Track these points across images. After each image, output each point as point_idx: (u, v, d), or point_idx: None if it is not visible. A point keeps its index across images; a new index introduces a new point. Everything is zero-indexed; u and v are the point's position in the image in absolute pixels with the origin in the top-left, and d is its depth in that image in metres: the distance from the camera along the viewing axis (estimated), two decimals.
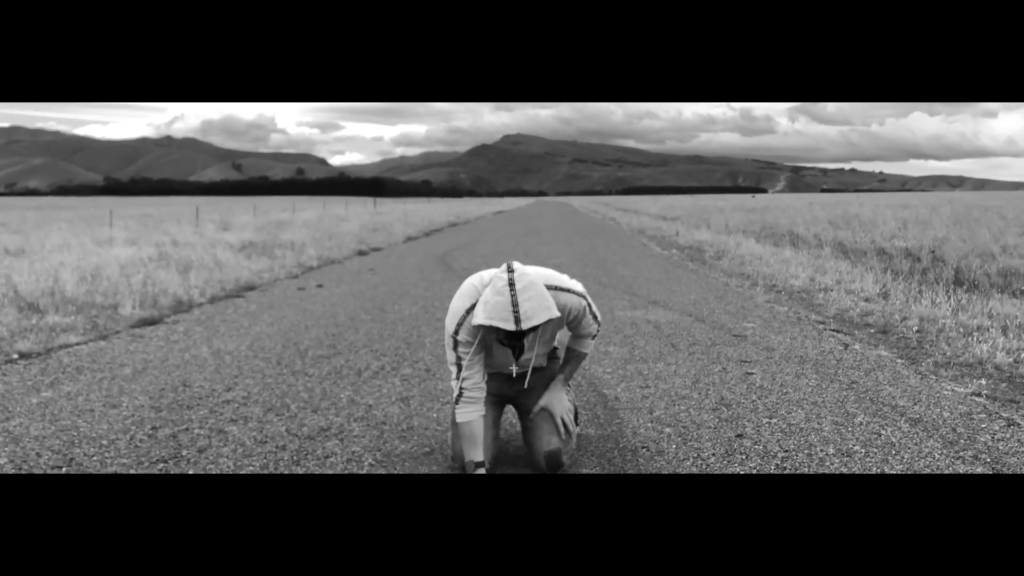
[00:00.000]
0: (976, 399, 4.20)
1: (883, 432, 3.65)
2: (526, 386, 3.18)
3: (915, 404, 4.10)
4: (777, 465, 3.23)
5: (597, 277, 10.03)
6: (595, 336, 3.24)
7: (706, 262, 12.34)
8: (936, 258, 10.64)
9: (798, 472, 3.15)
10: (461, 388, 2.95)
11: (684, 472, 3.16)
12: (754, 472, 3.15)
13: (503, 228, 26.23)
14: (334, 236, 17.87)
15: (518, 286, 2.65)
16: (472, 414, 2.94)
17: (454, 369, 2.97)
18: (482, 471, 2.94)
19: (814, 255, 12.06)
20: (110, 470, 3.20)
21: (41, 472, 3.16)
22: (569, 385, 3.36)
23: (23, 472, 3.16)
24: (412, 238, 19.90)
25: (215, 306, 7.76)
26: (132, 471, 3.19)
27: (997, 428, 3.70)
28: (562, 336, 3.34)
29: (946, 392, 4.34)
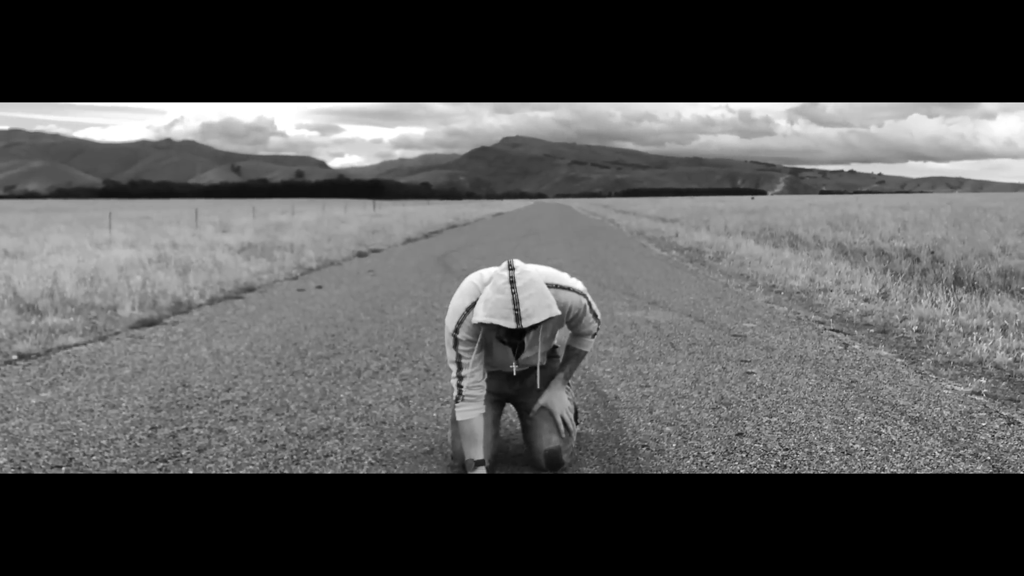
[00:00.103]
0: (976, 398, 4.20)
1: (883, 430, 3.64)
2: (538, 386, 3.17)
3: (915, 403, 4.10)
4: (777, 463, 3.23)
5: (596, 278, 10.03)
6: (595, 335, 3.24)
7: (705, 263, 12.34)
8: (935, 258, 10.64)
9: (798, 470, 3.15)
10: (461, 387, 2.94)
11: (684, 470, 3.16)
12: (754, 470, 3.15)
13: (502, 230, 26.24)
14: (333, 238, 17.87)
15: (519, 284, 2.65)
16: (472, 412, 2.94)
17: (454, 367, 2.96)
18: (482, 470, 2.93)
19: (813, 256, 12.06)
20: (109, 470, 3.20)
21: (40, 472, 3.16)
22: (569, 384, 3.35)
23: (23, 472, 3.15)
24: (411, 240, 19.90)
25: (214, 307, 7.75)
26: (131, 470, 3.18)
27: (997, 426, 3.70)
28: (561, 335, 3.33)
29: (946, 391, 4.33)
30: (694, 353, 5.40)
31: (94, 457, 3.34)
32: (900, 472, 3.11)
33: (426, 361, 5.22)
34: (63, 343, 5.72)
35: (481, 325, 2.78)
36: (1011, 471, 3.12)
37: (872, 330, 6.24)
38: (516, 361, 3.11)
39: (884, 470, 3.14)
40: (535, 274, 2.76)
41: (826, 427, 3.70)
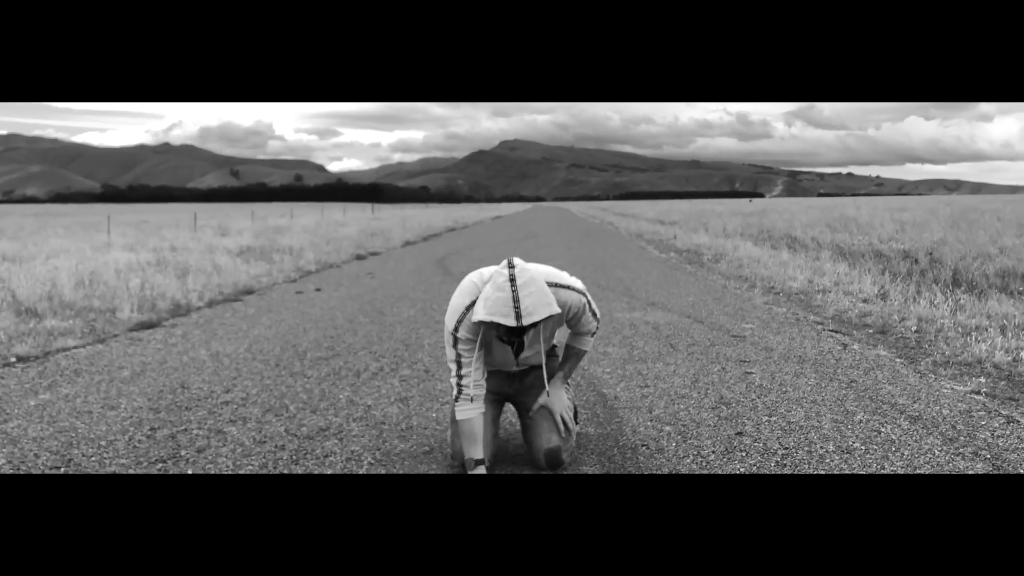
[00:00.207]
0: (975, 397, 4.20)
1: (883, 429, 3.64)
2: (546, 385, 3.16)
3: (914, 402, 4.10)
4: (777, 462, 3.23)
5: (596, 280, 10.03)
6: (594, 334, 3.24)
7: (704, 265, 12.35)
8: (934, 260, 10.65)
9: (798, 469, 3.15)
10: (460, 386, 2.94)
11: (684, 469, 3.15)
12: (754, 469, 3.15)
13: (501, 232, 26.25)
14: (332, 241, 17.87)
15: (519, 282, 2.65)
16: (472, 412, 2.94)
17: (453, 367, 2.96)
18: (482, 469, 2.93)
19: (812, 257, 12.07)
20: (109, 470, 3.19)
21: (39, 473, 3.15)
22: (568, 383, 3.35)
23: (22, 472, 3.15)
24: (410, 243, 19.91)
25: (213, 310, 7.75)
26: (131, 471, 3.18)
27: (997, 425, 3.70)
28: (560, 335, 3.33)
29: (945, 390, 4.33)
30: (693, 354, 5.40)
31: (93, 458, 3.34)
32: (900, 470, 3.11)
33: (425, 362, 5.22)
34: (62, 345, 5.72)
35: (481, 324, 2.78)
36: (1011, 469, 3.12)
37: (871, 330, 6.25)
38: (516, 360, 3.11)
39: (884, 468, 3.14)
40: (535, 272, 2.76)
41: (826, 426, 3.70)
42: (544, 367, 3.14)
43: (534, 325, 2.69)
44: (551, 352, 3.36)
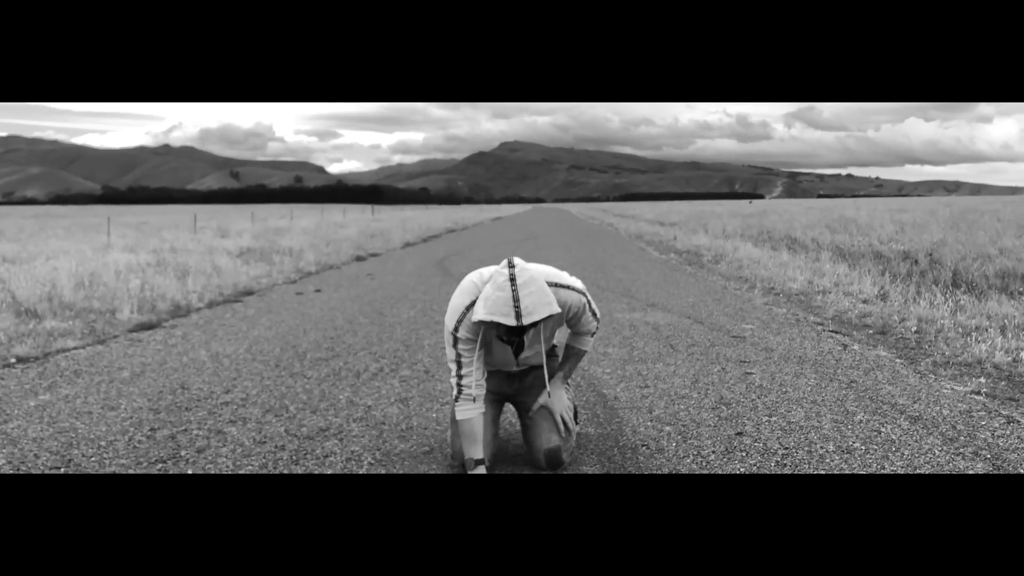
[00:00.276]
0: (975, 397, 4.20)
1: (883, 429, 3.64)
2: (547, 385, 3.16)
3: (915, 402, 4.10)
4: (777, 462, 3.23)
5: (595, 280, 10.02)
6: (594, 334, 3.24)
7: (704, 266, 12.35)
8: (934, 260, 10.65)
9: (798, 468, 3.15)
10: (460, 386, 2.94)
11: (684, 469, 3.15)
12: (754, 469, 3.15)
13: (501, 234, 26.26)
14: (332, 242, 17.87)
15: (519, 281, 2.64)
16: (472, 412, 2.94)
17: (453, 366, 2.96)
18: (482, 469, 2.93)
19: (812, 258, 12.07)
20: (108, 470, 3.19)
21: (39, 473, 3.15)
22: (568, 383, 3.35)
23: (22, 473, 3.14)
24: (410, 244, 19.91)
25: (213, 311, 7.75)
26: (130, 471, 3.18)
27: (997, 425, 3.70)
28: (560, 335, 3.33)
29: (945, 391, 4.33)
30: (693, 354, 5.40)
31: (93, 458, 3.34)
32: (900, 470, 3.11)
33: (425, 363, 5.22)
34: (62, 346, 5.72)
35: (481, 324, 2.78)
36: (1011, 469, 3.12)
37: (871, 331, 6.25)
38: (516, 360, 3.11)
39: (884, 468, 3.14)
40: (535, 272, 2.76)
41: (826, 426, 3.70)
42: (544, 367, 3.14)
43: (534, 325, 2.69)
44: (551, 352, 3.36)
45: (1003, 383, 4.49)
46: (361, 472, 3.16)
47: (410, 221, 33.90)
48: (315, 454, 3.38)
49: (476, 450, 2.93)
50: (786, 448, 3.40)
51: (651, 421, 3.82)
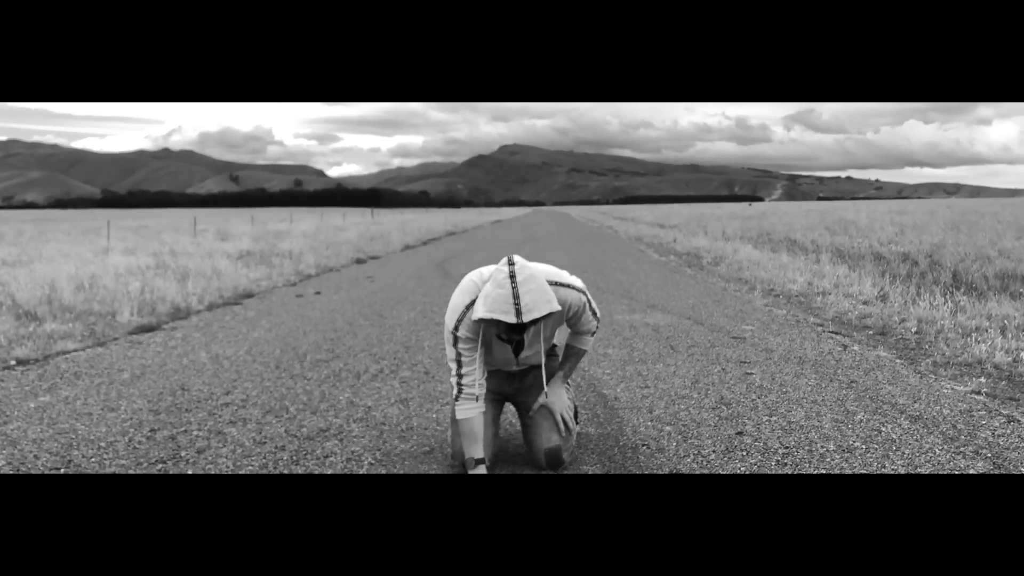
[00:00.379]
0: (976, 397, 4.19)
1: (883, 429, 3.64)
2: (544, 385, 3.16)
3: (915, 402, 4.10)
4: (778, 461, 3.22)
5: (595, 282, 10.02)
6: (594, 333, 3.23)
7: (704, 268, 12.35)
8: (934, 262, 10.65)
9: (799, 467, 3.14)
10: (461, 385, 2.94)
11: (685, 468, 3.15)
12: (755, 468, 3.14)
13: (501, 236, 26.26)
14: (332, 245, 17.87)
15: (519, 278, 2.64)
16: (472, 411, 2.93)
17: (454, 366, 2.96)
18: (482, 468, 2.93)
19: (811, 260, 12.07)
20: (108, 471, 3.19)
21: (39, 473, 3.15)
22: (568, 383, 3.35)
23: (21, 473, 3.14)
24: (410, 247, 19.92)
25: (213, 313, 7.75)
26: (131, 471, 3.17)
27: (997, 424, 3.69)
28: (560, 336, 3.33)
29: (946, 390, 4.33)
30: (693, 355, 5.40)
31: (93, 459, 3.33)
32: (901, 469, 3.11)
33: (425, 364, 5.22)
34: (62, 348, 5.71)
35: (481, 323, 2.78)
36: (1012, 468, 3.12)
37: (871, 332, 6.25)
38: (516, 360, 3.10)
39: (885, 467, 3.14)
40: (535, 270, 2.76)
41: (826, 426, 3.70)
42: (543, 367, 3.14)
43: (534, 322, 2.68)
44: (551, 352, 3.36)
45: (1003, 383, 4.49)
46: (361, 472, 3.16)
47: (410, 224, 33.91)
48: (315, 454, 3.38)
49: (476, 449, 2.93)
50: (787, 447, 3.40)
51: (651, 421, 3.81)
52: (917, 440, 3.47)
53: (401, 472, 3.15)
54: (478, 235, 27.75)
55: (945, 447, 3.37)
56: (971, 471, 3.08)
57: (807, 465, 3.18)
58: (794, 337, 6.04)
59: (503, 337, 2.89)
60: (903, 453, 3.31)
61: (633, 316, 7.20)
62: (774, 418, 3.84)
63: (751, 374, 4.79)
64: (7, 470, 3.19)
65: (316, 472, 3.15)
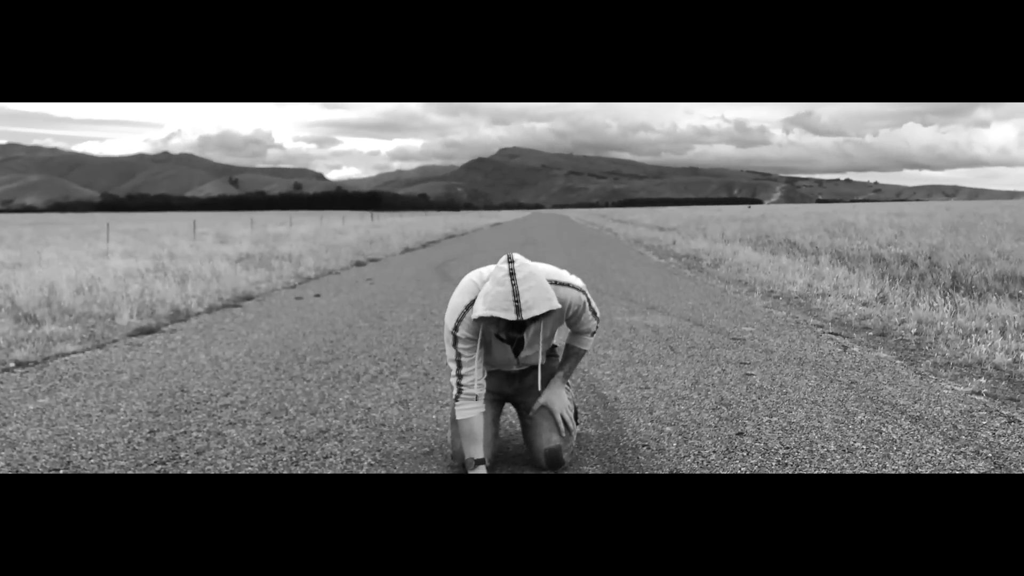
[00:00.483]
0: (976, 397, 4.19)
1: (884, 429, 3.64)
2: (539, 386, 3.16)
3: (915, 402, 4.09)
4: (779, 461, 3.22)
5: (595, 284, 10.02)
6: (594, 333, 3.23)
7: (703, 270, 12.35)
8: (933, 263, 10.65)
9: (800, 468, 3.14)
10: (461, 385, 2.93)
11: (685, 469, 3.15)
12: (755, 468, 3.14)
13: (501, 239, 26.26)
14: (331, 248, 17.87)
15: (519, 276, 2.64)
16: (472, 411, 2.93)
17: (453, 366, 2.95)
18: (482, 469, 2.92)
19: (811, 262, 12.07)
20: (108, 472, 3.18)
21: (38, 473, 3.14)
22: (568, 383, 3.34)
23: (20, 473, 3.13)
24: (409, 249, 19.91)
25: (212, 315, 7.74)
26: (130, 472, 3.16)
27: (998, 425, 3.69)
28: (560, 337, 3.32)
29: (946, 391, 4.33)
30: (693, 356, 5.39)
31: (92, 460, 3.33)
32: (902, 469, 3.11)
33: (425, 365, 5.21)
34: (61, 351, 5.71)
35: (481, 322, 2.77)
36: (1012, 468, 3.12)
37: (871, 333, 6.24)
38: (516, 360, 3.10)
39: (885, 467, 3.13)
40: (535, 268, 2.75)
41: (826, 426, 3.70)
42: (540, 368, 3.13)
43: (534, 320, 2.68)
44: (551, 352, 3.36)
45: (1003, 383, 4.49)
46: (361, 473, 3.15)
47: (409, 227, 33.93)
48: (315, 455, 3.38)
49: (476, 449, 2.92)
50: (787, 448, 3.39)
51: (651, 422, 3.81)
52: (918, 440, 3.47)
53: (401, 473, 3.15)
54: (477, 238, 27.76)
55: (946, 447, 3.37)
56: (972, 471, 3.08)
57: (808, 465, 3.17)
58: (794, 338, 6.03)
59: (502, 337, 2.89)
60: (904, 453, 3.30)
61: (633, 318, 7.20)
62: (774, 419, 3.83)
63: (751, 375, 4.78)
64: (6, 471, 3.18)
65: (316, 473, 3.15)
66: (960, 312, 6.73)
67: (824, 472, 3.09)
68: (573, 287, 2.99)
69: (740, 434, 3.59)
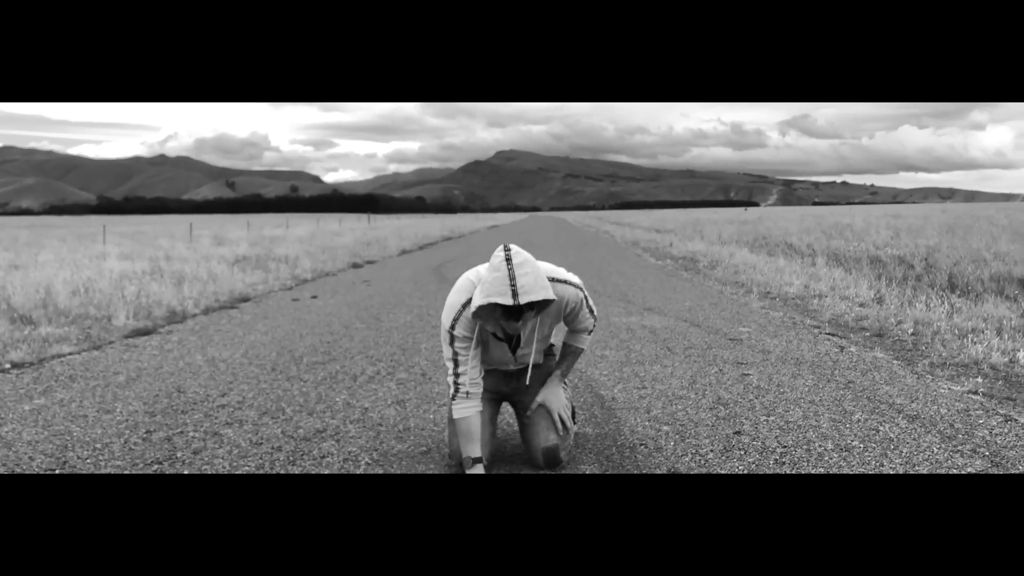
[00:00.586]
0: (973, 396, 4.20)
1: (881, 428, 3.64)
2: (527, 382, 3.16)
3: (912, 402, 4.10)
4: (776, 460, 3.22)
5: (593, 286, 10.02)
6: (591, 332, 3.23)
7: (700, 271, 12.36)
8: (929, 265, 10.67)
9: (797, 466, 3.14)
10: (458, 384, 2.93)
11: (683, 467, 3.14)
12: (753, 466, 3.14)
13: (499, 241, 26.26)
14: (328, 250, 17.85)
15: (515, 261, 2.63)
16: (469, 410, 2.92)
17: (450, 365, 2.95)
18: (480, 467, 2.91)
19: (807, 263, 12.09)
20: (104, 472, 3.17)
21: (33, 473, 3.13)
22: (566, 383, 3.34)
23: (16, 473, 3.12)
24: (406, 251, 19.90)
25: (209, 317, 7.73)
26: (127, 472, 3.15)
27: (995, 423, 3.69)
28: (557, 338, 3.32)
29: (943, 390, 4.33)
30: (690, 356, 5.39)
31: (88, 460, 3.32)
32: (899, 467, 3.11)
33: (422, 366, 5.21)
34: (57, 352, 5.69)
35: (478, 319, 2.77)
36: (1009, 465, 3.12)
37: (868, 333, 6.25)
38: (514, 357, 3.09)
39: (883, 466, 3.13)
40: (532, 258, 2.74)
41: (824, 425, 3.70)
42: (530, 368, 3.12)
43: (532, 308, 2.67)
44: (548, 351, 3.35)
45: (1000, 383, 4.49)
46: (358, 472, 3.15)
47: (406, 229, 33.92)
48: (312, 455, 3.37)
49: (474, 448, 2.92)
50: (784, 446, 3.39)
51: (649, 421, 3.81)
52: (915, 439, 3.47)
53: (398, 472, 3.14)
54: (475, 240, 27.76)
55: (943, 446, 3.37)
56: (969, 469, 3.08)
57: (805, 464, 3.17)
58: (791, 339, 6.04)
59: (499, 336, 2.88)
60: (901, 452, 3.30)
61: (630, 319, 7.20)
62: (772, 418, 3.83)
63: (748, 375, 4.78)
64: (2, 471, 3.17)
65: (313, 472, 3.14)
66: (956, 313, 6.75)
67: (822, 470, 3.09)
68: (571, 284, 2.99)
69: (738, 433, 3.59)
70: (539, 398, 3.18)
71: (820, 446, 3.39)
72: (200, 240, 22.62)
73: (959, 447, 3.35)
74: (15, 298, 7.68)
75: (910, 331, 6.12)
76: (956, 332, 5.90)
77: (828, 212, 53.90)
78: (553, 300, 2.72)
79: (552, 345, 3.38)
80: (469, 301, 2.82)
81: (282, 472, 3.15)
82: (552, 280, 2.91)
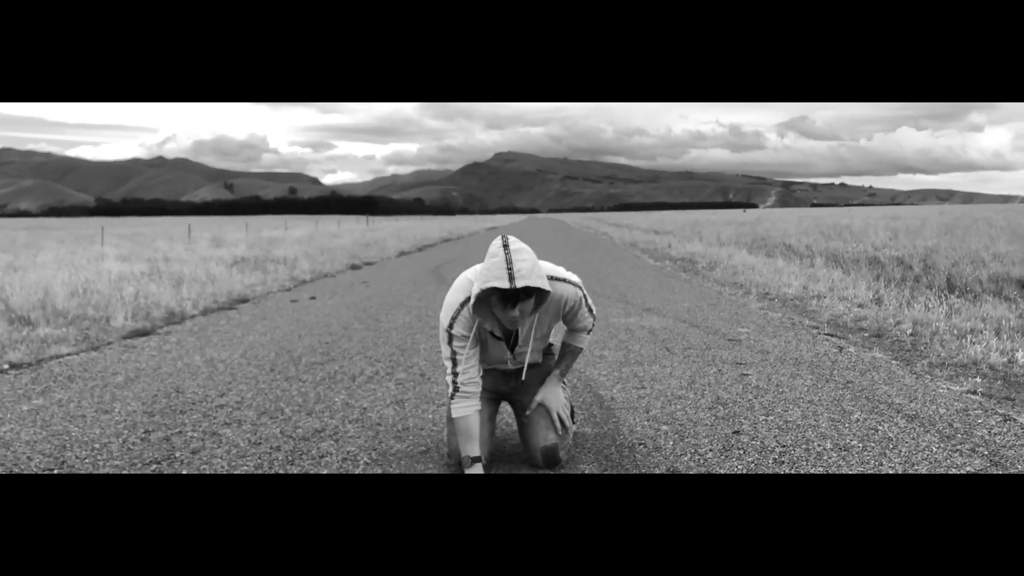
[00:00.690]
0: (972, 396, 4.20)
1: (880, 428, 3.64)
2: (523, 379, 3.16)
3: (911, 401, 4.10)
4: (775, 459, 3.22)
5: (591, 287, 10.02)
6: (590, 331, 3.22)
7: (699, 272, 12.37)
8: (928, 266, 10.68)
9: (796, 466, 3.14)
10: (456, 383, 2.92)
11: (682, 467, 3.14)
12: (752, 466, 3.14)
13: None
14: (327, 251, 17.85)
15: (512, 247, 2.64)
16: (468, 409, 2.92)
17: (449, 364, 2.94)
18: (479, 466, 2.91)
19: (806, 264, 12.10)
20: (103, 472, 3.16)
21: (31, 473, 3.12)
22: (565, 382, 3.34)
23: (14, 473, 3.12)
24: (405, 253, 19.90)
25: (207, 318, 7.72)
26: (125, 472, 3.15)
27: (994, 423, 3.70)
28: (556, 337, 3.32)
29: (941, 390, 4.33)
30: (689, 356, 5.39)
31: (87, 460, 3.31)
32: (898, 466, 3.11)
33: (421, 366, 5.20)
34: (55, 353, 5.68)
35: (476, 319, 2.77)
36: (1008, 465, 3.12)
37: (866, 334, 6.25)
38: (512, 356, 3.09)
39: (882, 465, 3.13)
40: (530, 249, 2.75)
41: (823, 425, 3.70)
42: (526, 364, 3.12)
43: (529, 296, 2.67)
44: (547, 351, 3.35)
45: (999, 383, 4.50)
46: (357, 472, 3.14)
47: (405, 231, 33.92)
48: (311, 455, 3.36)
49: (472, 447, 2.91)
50: (783, 446, 3.39)
51: (648, 421, 3.81)
52: (914, 438, 3.47)
53: (397, 472, 3.14)
54: (474, 241, 27.76)
55: (942, 445, 3.37)
56: (968, 468, 3.08)
57: (804, 463, 3.17)
58: (790, 339, 6.04)
59: (498, 335, 2.88)
60: (900, 451, 3.30)
61: (629, 319, 7.20)
62: (771, 417, 3.83)
63: (747, 375, 4.78)
64: (0, 471, 3.16)
65: (312, 472, 3.14)
66: (955, 313, 6.75)
67: (821, 470, 3.09)
68: (570, 283, 2.99)
69: (736, 432, 3.59)
70: (538, 397, 3.18)
71: (819, 445, 3.39)
72: (198, 241, 22.61)
73: (958, 446, 3.35)
74: (14, 299, 7.67)
75: (909, 331, 6.12)
76: (955, 332, 5.91)
77: (827, 213, 53.96)
78: (549, 293, 2.73)
79: (551, 345, 3.38)
80: (467, 300, 2.82)
81: (281, 472, 3.14)
82: (552, 279, 2.91)
